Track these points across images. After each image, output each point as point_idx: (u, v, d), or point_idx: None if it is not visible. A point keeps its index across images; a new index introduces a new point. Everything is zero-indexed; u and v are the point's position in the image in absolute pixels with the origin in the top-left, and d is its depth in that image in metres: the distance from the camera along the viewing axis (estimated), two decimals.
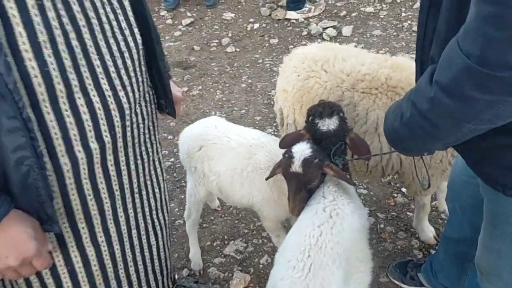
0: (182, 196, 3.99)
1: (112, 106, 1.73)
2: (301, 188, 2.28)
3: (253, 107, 5.09)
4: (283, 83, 3.08)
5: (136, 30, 1.86)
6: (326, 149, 2.35)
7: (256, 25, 6.75)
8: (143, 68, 1.90)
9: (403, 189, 3.76)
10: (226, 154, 2.81)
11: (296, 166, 2.23)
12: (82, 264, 1.84)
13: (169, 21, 7.13)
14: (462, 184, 2.27)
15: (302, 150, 2.26)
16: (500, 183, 1.58)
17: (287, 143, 2.41)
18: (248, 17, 7.03)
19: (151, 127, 2.11)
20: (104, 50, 1.70)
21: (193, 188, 3.07)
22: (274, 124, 4.65)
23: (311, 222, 2.10)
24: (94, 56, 1.66)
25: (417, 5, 6.65)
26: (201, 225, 3.69)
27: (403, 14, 6.53)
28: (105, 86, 1.70)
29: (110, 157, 1.79)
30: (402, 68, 2.75)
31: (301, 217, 2.24)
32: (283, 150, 2.37)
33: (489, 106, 1.20)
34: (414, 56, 1.83)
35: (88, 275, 1.88)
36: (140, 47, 1.85)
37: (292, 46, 6.07)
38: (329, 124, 2.34)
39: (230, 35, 6.61)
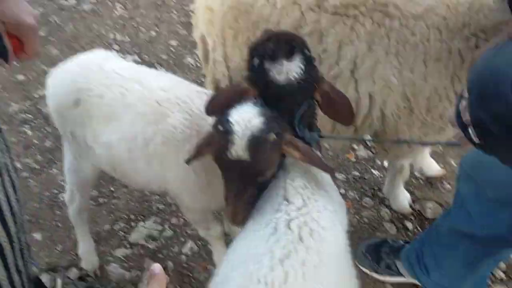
0: None
1: None
2: (248, 184, 1.39)
3: (166, 27, 3.91)
4: None
5: None
6: (286, 114, 1.42)
7: None
8: None
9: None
10: (119, 115, 1.78)
11: (239, 149, 1.32)
12: None
13: None
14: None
15: (247, 119, 1.34)
16: None
17: (219, 105, 1.45)
18: None
19: None
20: None
21: (73, 162, 2.00)
22: (197, 50, 3.52)
23: (267, 253, 1.17)
24: None
25: None
26: (96, 200, 2.66)
27: None
28: None
29: None
30: None
31: (248, 235, 1.32)
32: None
33: None
34: None
35: None
36: None
37: None
38: (288, 70, 1.40)
39: None
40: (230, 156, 1.32)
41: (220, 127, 1.35)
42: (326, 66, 1.81)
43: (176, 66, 3.53)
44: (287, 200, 1.33)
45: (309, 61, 1.43)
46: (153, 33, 3.83)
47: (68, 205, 2.23)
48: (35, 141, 3.02)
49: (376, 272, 2.26)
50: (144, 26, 3.91)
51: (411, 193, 2.60)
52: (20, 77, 3.48)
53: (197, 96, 1.75)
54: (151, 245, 2.46)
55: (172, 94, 1.76)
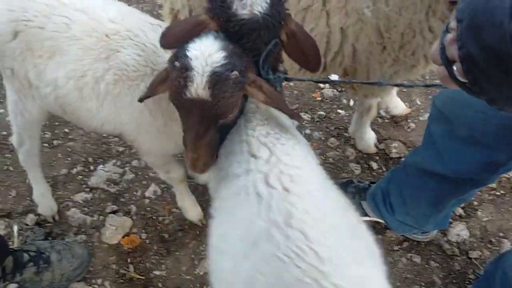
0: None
1: None
2: (208, 127, 1.26)
3: None
4: None
5: None
6: (250, 52, 1.29)
7: None
8: None
9: (332, 76, 2.83)
10: (64, 48, 1.60)
11: (199, 87, 1.18)
12: None
13: None
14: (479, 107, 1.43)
15: (208, 54, 1.20)
16: None
17: (176, 38, 1.31)
18: None
19: None
20: None
21: (17, 103, 1.84)
22: None
23: (270, 224, 1.06)
24: None
25: None
26: (50, 142, 2.51)
27: None
28: None
29: None
30: None
31: (231, 213, 1.20)
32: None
33: None
34: None
35: None
36: None
37: None
38: (253, 3, 1.24)
39: None
40: (189, 95, 1.19)
41: (177, 63, 1.21)
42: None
43: None
44: (253, 155, 1.23)
45: None
46: None
47: (17, 149, 2.07)
48: None
49: None
50: None
51: (376, 132, 2.58)
52: None
53: (151, 29, 1.60)
54: (112, 189, 2.36)
55: (123, 26, 1.59)
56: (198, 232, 2.22)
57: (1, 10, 1.60)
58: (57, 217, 2.25)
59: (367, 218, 2.24)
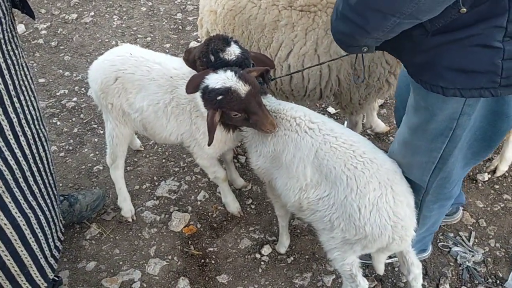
0: (96, 140, 3.58)
1: None
2: (261, 101, 2.14)
3: (159, 33, 4.62)
4: (210, 3, 2.75)
5: None
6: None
7: None
8: None
9: (329, 109, 3.75)
10: (146, 86, 2.49)
11: (243, 87, 2.05)
12: None
13: None
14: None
15: (225, 77, 2.07)
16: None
17: (196, 85, 2.18)
18: None
19: (11, 27, 2.00)
20: None
21: (114, 128, 2.72)
22: None
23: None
24: None
25: None
26: (125, 169, 3.36)
27: None
28: None
29: None
30: None
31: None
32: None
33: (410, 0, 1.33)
34: None
35: None
36: None
37: None
38: (233, 51, 2.21)
39: None
40: (243, 94, 2.02)
41: (219, 96, 2.04)
42: (297, 47, 2.61)
43: None
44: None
45: (237, 42, 2.24)
46: (149, 39, 4.56)
47: (110, 165, 2.91)
48: (65, 129, 3.70)
49: None
50: (140, 33, 4.63)
51: None
52: (42, 80, 4.15)
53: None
54: (173, 197, 3.18)
55: (181, 71, 2.47)
56: (238, 220, 3.02)
57: (108, 66, 2.51)
58: (134, 218, 3.06)
59: None
